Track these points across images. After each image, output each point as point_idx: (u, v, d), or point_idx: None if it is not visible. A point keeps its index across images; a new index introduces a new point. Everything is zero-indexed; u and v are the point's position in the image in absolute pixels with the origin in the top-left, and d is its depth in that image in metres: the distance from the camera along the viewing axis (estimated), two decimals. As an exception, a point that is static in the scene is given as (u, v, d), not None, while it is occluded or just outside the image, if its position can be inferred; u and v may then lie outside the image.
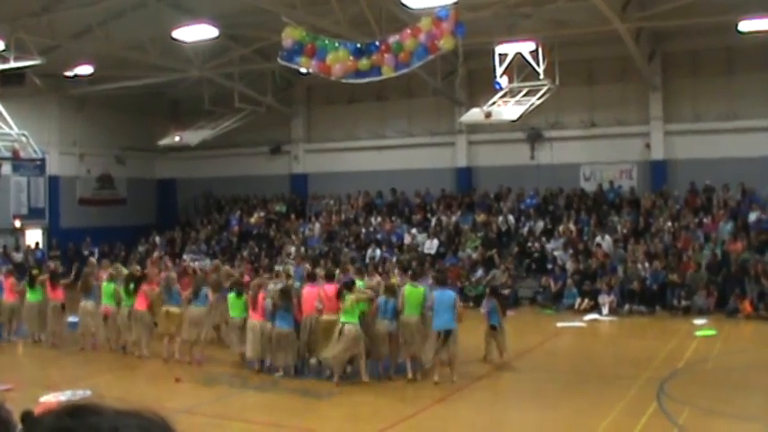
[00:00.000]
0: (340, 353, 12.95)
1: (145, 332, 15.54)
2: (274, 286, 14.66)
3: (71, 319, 17.32)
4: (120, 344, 16.20)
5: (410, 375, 13.27)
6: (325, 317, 13.53)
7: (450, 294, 13.27)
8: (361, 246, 26.81)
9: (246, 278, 16.62)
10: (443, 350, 13.00)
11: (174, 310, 15.16)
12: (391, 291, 13.54)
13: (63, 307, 17.16)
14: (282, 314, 13.84)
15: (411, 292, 13.44)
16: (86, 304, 16.62)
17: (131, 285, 15.79)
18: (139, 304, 15.57)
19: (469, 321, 14.15)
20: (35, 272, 18.27)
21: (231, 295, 14.95)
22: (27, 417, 1.24)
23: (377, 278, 15.90)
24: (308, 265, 16.99)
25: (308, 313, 13.85)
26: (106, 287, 16.29)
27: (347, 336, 12.88)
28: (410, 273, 15.52)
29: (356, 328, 12.96)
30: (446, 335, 12.93)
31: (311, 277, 14.67)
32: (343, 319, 13.03)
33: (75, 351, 16.48)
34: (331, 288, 13.67)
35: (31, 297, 17.37)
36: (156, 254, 25.38)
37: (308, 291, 14.04)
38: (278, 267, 18.13)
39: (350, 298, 13.02)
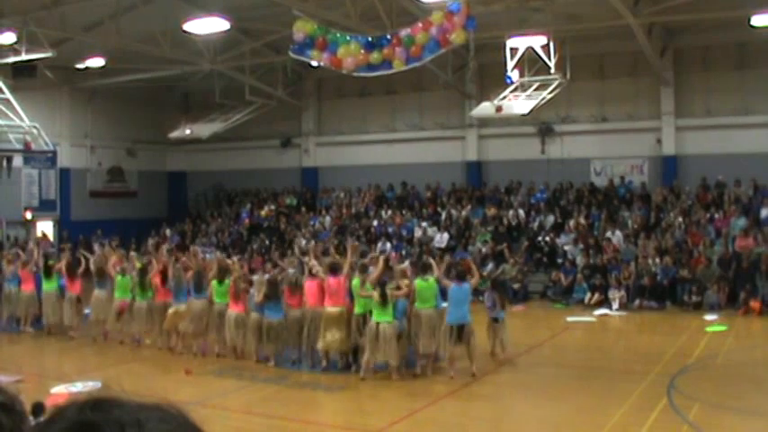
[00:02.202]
0: (392, 354, 12.68)
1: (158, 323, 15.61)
2: (261, 277, 14.69)
3: (86, 310, 17.36)
4: (134, 337, 16.19)
5: (419, 370, 13.23)
6: (328, 309, 13.43)
7: (465, 289, 13.00)
8: (371, 239, 26.79)
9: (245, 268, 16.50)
10: (459, 344, 12.81)
11: (182, 308, 15.15)
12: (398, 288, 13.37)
13: (79, 299, 17.19)
14: (272, 305, 13.89)
15: (422, 285, 13.28)
16: (99, 293, 16.68)
17: (145, 279, 15.81)
18: (162, 295, 15.60)
19: (475, 315, 14.08)
20: (51, 261, 18.35)
21: (213, 282, 14.96)
22: (38, 408, 1.23)
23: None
24: (307, 258, 16.91)
25: (308, 305, 13.82)
26: (120, 281, 16.24)
27: (387, 336, 12.64)
28: (419, 266, 15.29)
29: (393, 327, 12.74)
30: (459, 329, 12.75)
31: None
32: (377, 318, 12.73)
33: (86, 342, 16.54)
34: (334, 281, 13.51)
35: (47, 286, 17.45)
36: (165, 246, 25.41)
37: (310, 283, 13.97)
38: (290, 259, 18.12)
39: (389, 295, 12.77)
